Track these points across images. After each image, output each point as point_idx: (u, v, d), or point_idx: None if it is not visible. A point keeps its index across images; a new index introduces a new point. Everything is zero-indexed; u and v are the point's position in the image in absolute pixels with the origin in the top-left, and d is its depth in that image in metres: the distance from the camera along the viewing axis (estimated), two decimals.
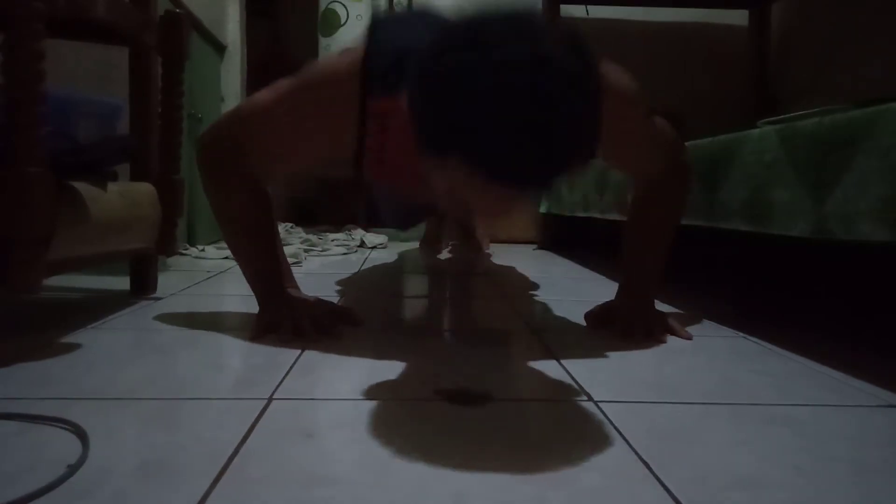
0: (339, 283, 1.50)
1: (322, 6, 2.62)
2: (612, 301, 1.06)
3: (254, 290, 0.99)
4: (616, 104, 0.80)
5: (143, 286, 1.24)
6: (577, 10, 2.71)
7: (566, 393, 0.71)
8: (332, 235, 2.47)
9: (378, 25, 0.89)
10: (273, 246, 1.00)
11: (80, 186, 0.91)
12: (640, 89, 0.93)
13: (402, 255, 2.18)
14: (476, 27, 0.61)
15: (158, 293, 1.25)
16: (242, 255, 1.00)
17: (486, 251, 2.28)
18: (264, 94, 0.91)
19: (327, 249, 2.15)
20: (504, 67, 0.57)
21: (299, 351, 0.85)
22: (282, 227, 2.41)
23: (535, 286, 1.53)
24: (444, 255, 2.22)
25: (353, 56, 0.86)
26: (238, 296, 1.30)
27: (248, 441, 0.55)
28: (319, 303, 1.01)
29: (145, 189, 1.14)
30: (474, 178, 0.61)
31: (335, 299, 1.25)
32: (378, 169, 0.91)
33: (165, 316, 1.06)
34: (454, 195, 0.67)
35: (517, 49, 0.58)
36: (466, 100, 0.58)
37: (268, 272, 0.99)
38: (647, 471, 0.51)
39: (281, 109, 0.88)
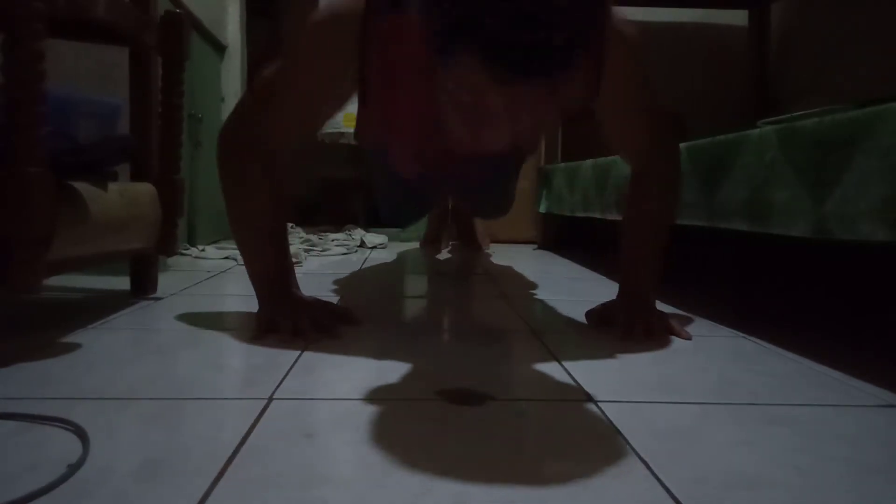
0: (338, 283, 1.50)
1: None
2: (612, 301, 1.06)
3: (256, 288, 0.99)
4: (621, 48, 0.84)
5: (144, 286, 1.24)
6: None
7: (566, 393, 0.71)
8: (332, 235, 2.47)
9: None
10: (281, 247, 1.00)
11: (80, 186, 0.91)
12: (643, 48, 0.96)
13: (401, 256, 2.18)
14: None
15: (159, 293, 1.25)
16: (250, 254, 1.00)
17: (487, 251, 2.29)
18: (260, 76, 0.94)
19: (327, 249, 2.15)
20: None
21: (299, 351, 0.85)
22: None
23: (535, 286, 1.53)
24: (445, 255, 2.22)
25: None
26: (238, 296, 1.30)
27: (248, 441, 0.55)
28: (319, 303, 1.01)
29: (145, 189, 1.14)
30: (484, 74, 0.61)
31: (335, 299, 1.25)
32: (381, 109, 0.92)
33: (166, 316, 1.06)
34: (462, 109, 0.67)
35: None
36: None
37: (273, 272, 0.99)
38: (647, 470, 0.52)
39: (288, 60, 0.90)
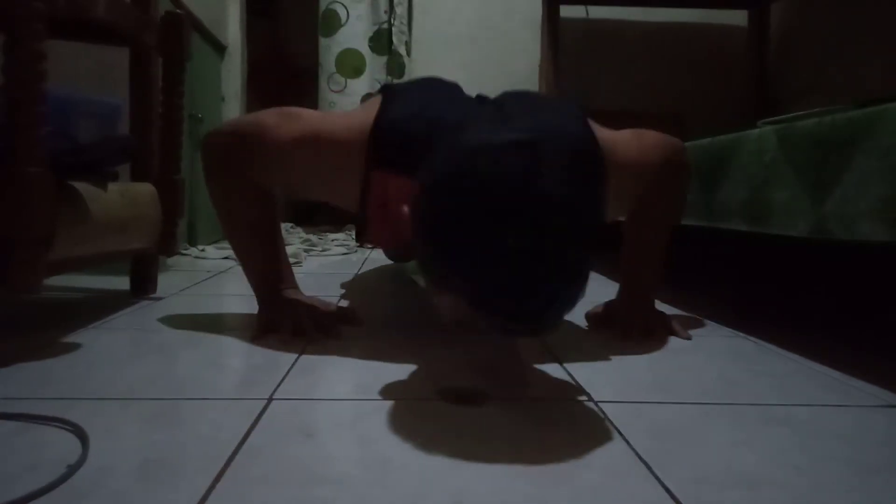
0: (338, 283, 1.50)
1: (322, 7, 2.62)
2: (612, 301, 1.06)
3: (254, 289, 0.99)
4: (617, 181, 0.81)
5: (144, 286, 1.24)
6: (576, 11, 2.71)
7: (566, 392, 0.71)
8: (332, 235, 2.47)
9: (389, 98, 0.89)
10: (275, 246, 1.00)
11: (81, 186, 0.91)
12: (638, 148, 0.93)
13: None
14: (475, 157, 0.59)
15: (159, 293, 1.25)
16: (244, 255, 1.01)
17: None
18: (272, 123, 0.89)
19: (327, 249, 2.15)
20: (500, 219, 0.57)
21: (299, 351, 0.85)
22: (282, 227, 2.41)
23: None
24: None
25: (363, 124, 0.86)
26: (238, 296, 1.30)
27: (248, 441, 0.55)
28: (319, 303, 1.01)
29: (146, 189, 1.14)
30: (471, 311, 0.61)
31: (335, 299, 1.25)
32: (378, 225, 0.92)
33: (166, 316, 1.06)
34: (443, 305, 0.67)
35: (515, 197, 0.57)
36: (461, 251, 0.58)
37: (269, 272, 0.99)
38: (646, 470, 0.52)
39: (288, 151, 0.88)
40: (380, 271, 1.79)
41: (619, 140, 0.91)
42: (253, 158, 0.90)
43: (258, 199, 0.96)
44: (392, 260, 1.92)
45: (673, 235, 1.06)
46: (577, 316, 1.10)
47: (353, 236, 2.40)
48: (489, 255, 0.57)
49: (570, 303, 0.61)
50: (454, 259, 0.59)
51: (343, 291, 1.38)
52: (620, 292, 1.08)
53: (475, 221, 0.57)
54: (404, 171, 0.74)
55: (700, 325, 1.08)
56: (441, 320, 0.71)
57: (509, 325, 0.61)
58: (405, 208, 0.69)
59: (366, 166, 0.85)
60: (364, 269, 1.78)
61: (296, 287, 1.03)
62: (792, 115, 1.09)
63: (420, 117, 0.82)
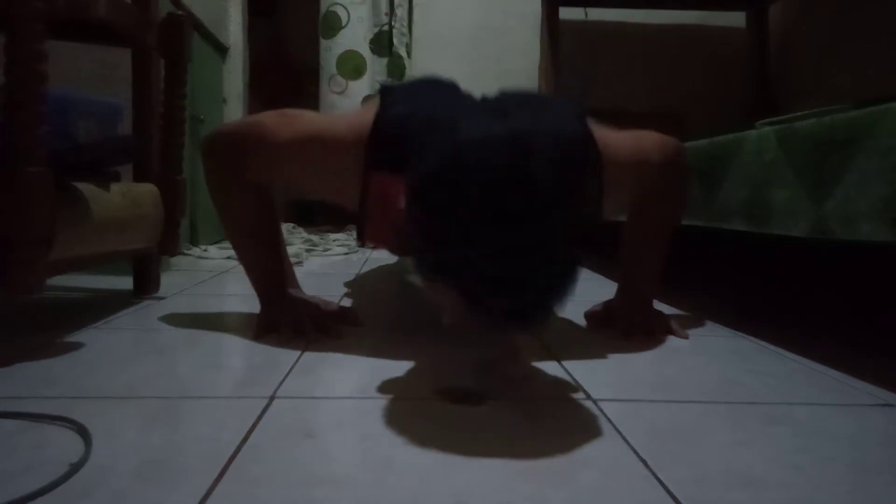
0: (339, 283, 1.50)
1: (323, 8, 2.63)
2: (611, 300, 1.06)
3: (256, 289, 0.99)
4: (614, 180, 0.82)
5: (146, 286, 1.24)
6: (576, 13, 2.71)
7: (566, 392, 0.71)
8: (333, 235, 2.47)
9: (387, 98, 0.90)
10: (276, 246, 1.00)
11: (82, 186, 0.92)
12: (632, 144, 0.93)
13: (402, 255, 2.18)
14: (465, 149, 0.59)
15: (161, 293, 1.25)
16: (245, 255, 1.01)
17: None
18: (272, 123, 0.90)
19: (328, 249, 2.15)
20: (488, 212, 0.56)
21: (300, 351, 0.85)
22: (283, 228, 2.41)
23: None
24: None
25: (362, 125, 0.87)
26: (240, 296, 1.30)
27: (249, 440, 0.55)
28: (320, 303, 1.01)
29: (147, 189, 1.15)
30: (460, 300, 0.61)
31: (336, 299, 1.25)
32: (377, 224, 0.92)
33: (167, 316, 1.06)
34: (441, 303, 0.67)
35: (503, 189, 0.56)
36: (449, 244, 0.58)
37: (270, 272, 0.99)
38: (646, 470, 0.52)
39: (288, 152, 0.89)
40: (380, 271, 1.79)
41: (619, 139, 0.91)
42: (253, 158, 0.91)
43: (258, 199, 0.96)
44: (396, 255, 1.92)
45: (673, 237, 1.06)
46: (576, 315, 1.10)
47: (355, 236, 2.40)
48: (476, 248, 0.57)
49: (559, 296, 0.61)
50: (442, 252, 0.59)
51: (345, 291, 1.38)
52: (619, 292, 1.08)
53: (463, 214, 0.57)
54: (402, 171, 0.75)
55: (699, 324, 1.08)
56: (439, 316, 0.71)
57: (500, 319, 0.60)
58: (402, 205, 0.69)
59: (365, 166, 0.85)
60: (365, 269, 1.78)
61: (297, 287, 1.03)
62: (792, 115, 1.09)
63: (418, 116, 0.82)
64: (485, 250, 0.57)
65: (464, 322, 0.66)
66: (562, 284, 0.60)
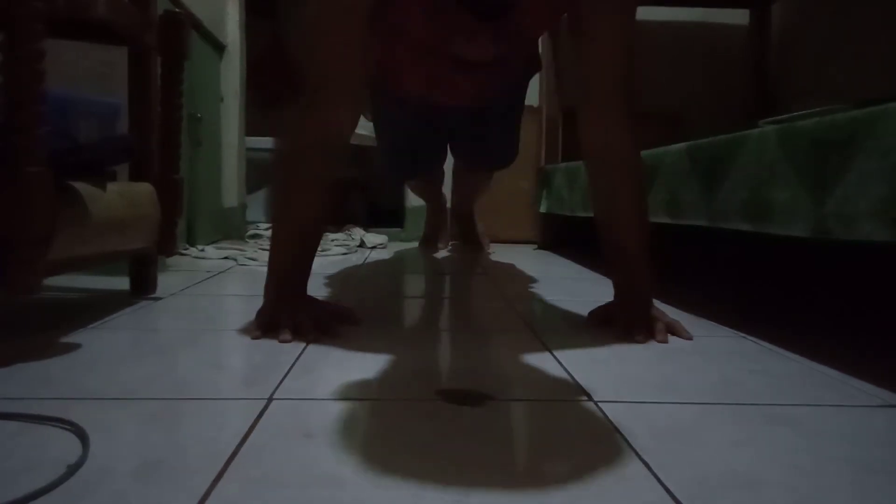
0: (339, 282, 1.50)
1: None
2: (612, 301, 1.06)
3: (269, 279, 0.99)
4: None
5: (143, 286, 1.24)
6: None
7: (566, 392, 0.71)
8: (332, 235, 2.47)
9: None
10: (310, 249, 1.01)
11: (80, 186, 0.91)
12: None
13: (401, 255, 2.18)
14: None
15: (158, 293, 1.25)
16: (279, 243, 1.01)
17: (487, 251, 2.29)
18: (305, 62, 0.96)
19: (327, 249, 2.15)
20: None
21: (299, 351, 0.85)
22: None
23: (535, 286, 1.53)
24: (445, 254, 2.22)
25: None
26: (238, 296, 1.30)
27: (248, 441, 0.55)
28: (320, 302, 1.01)
29: (145, 189, 1.14)
30: None
31: (335, 299, 1.25)
32: (394, 27, 0.93)
33: (165, 316, 1.06)
34: None
35: None
36: None
37: (294, 273, 0.99)
38: (646, 470, 0.52)
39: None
40: (380, 271, 1.79)
41: None
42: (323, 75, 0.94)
43: (320, 196, 0.98)
44: (401, 176, 1.92)
45: (671, 235, 1.06)
46: (576, 315, 1.10)
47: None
48: None
49: None
50: None
51: (339, 288, 1.38)
52: (617, 292, 1.08)
53: None
54: None
55: (699, 324, 1.08)
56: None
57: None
58: None
59: None
60: (365, 269, 1.78)
61: (305, 290, 1.03)
62: (792, 115, 1.09)
63: None
64: None
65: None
66: None
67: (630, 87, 1.01)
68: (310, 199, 0.99)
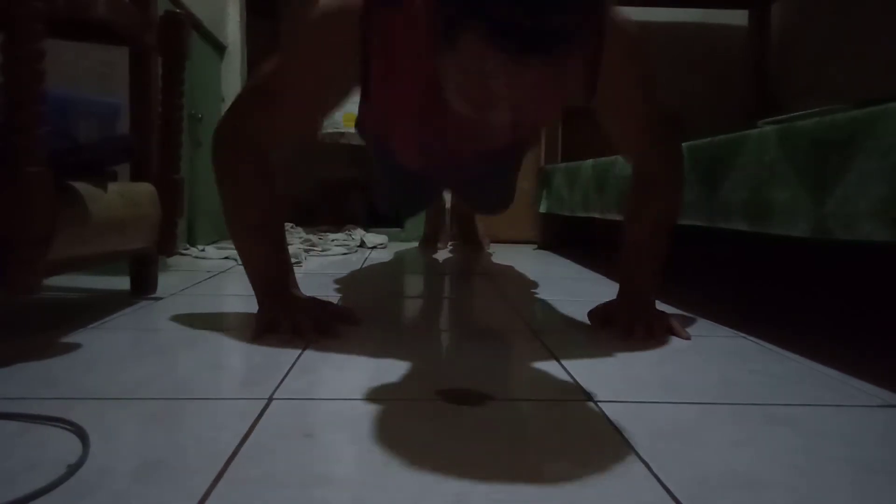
0: (339, 282, 1.50)
1: None
2: (612, 301, 1.06)
3: (255, 287, 0.99)
4: (620, 45, 0.87)
5: (144, 286, 1.24)
6: None
7: (566, 393, 0.71)
8: (332, 235, 2.47)
9: None
10: (280, 242, 1.01)
11: (80, 186, 0.91)
12: (644, 48, 0.95)
13: (401, 255, 2.18)
14: None
15: (159, 293, 1.25)
16: (247, 253, 1.01)
17: (487, 251, 2.29)
18: (258, 76, 0.95)
19: (327, 249, 2.15)
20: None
21: (299, 351, 0.85)
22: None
23: (535, 286, 1.53)
24: (445, 254, 2.22)
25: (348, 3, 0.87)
26: (238, 296, 1.30)
27: (248, 441, 0.55)
28: (319, 303, 1.01)
29: (145, 189, 1.14)
30: (488, 53, 0.62)
31: (335, 299, 1.25)
32: (384, 101, 0.93)
33: (165, 316, 1.06)
34: (466, 92, 0.68)
35: None
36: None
37: (271, 272, 0.99)
38: (647, 470, 0.52)
39: (287, 59, 0.92)
40: (380, 271, 1.79)
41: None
42: (256, 105, 0.93)
43: (264, 197, 0.97)
44: (398, 213, 1.89)
45: (672, 236, 1.06)
46: (577, 316, 1.10)
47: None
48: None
49: (580, 24, 0.63)
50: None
51: (339, 288, 1.38)
52: (620, 292, 1.08)
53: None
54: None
55: (699, 324, 1.08)
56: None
57: (520, 37, 0.61)
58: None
59: (362, 14, 0.85)
60: (364, 269, 1.78)
61: (296, 287, 1.03)
62: (792, 115, 1.09)
63: None
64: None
65: (478, 105, 0.68)
66: (588, 4, 0.63)
67: (658, 112, 1.01)
68: (254, 201, 0.97)
